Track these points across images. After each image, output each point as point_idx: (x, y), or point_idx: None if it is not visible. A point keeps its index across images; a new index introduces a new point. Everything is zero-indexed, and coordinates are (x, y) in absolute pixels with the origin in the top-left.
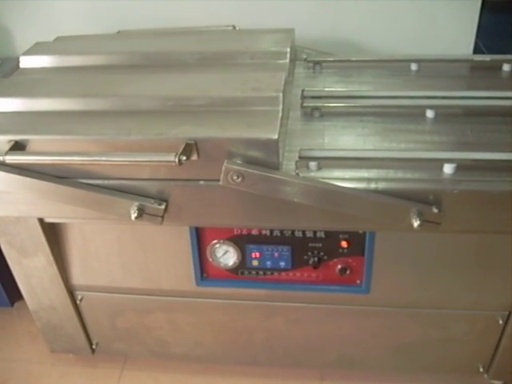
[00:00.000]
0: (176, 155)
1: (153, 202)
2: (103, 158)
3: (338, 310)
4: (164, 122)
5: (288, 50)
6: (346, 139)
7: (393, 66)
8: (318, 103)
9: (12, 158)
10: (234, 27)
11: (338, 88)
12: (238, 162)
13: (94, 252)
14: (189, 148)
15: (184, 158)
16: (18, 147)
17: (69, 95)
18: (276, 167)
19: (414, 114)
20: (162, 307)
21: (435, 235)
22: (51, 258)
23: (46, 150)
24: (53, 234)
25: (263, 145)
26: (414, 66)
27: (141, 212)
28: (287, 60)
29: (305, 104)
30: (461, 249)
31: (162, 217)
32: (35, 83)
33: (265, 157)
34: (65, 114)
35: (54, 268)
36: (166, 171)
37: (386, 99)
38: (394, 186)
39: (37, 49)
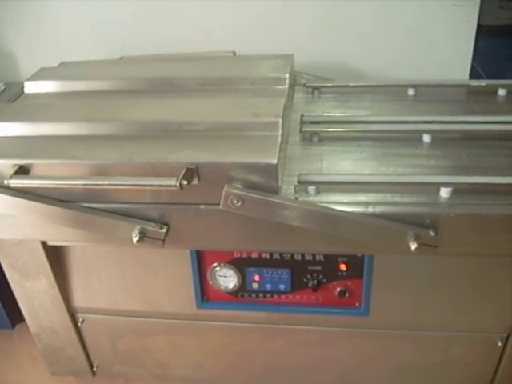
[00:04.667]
0: (177, 179)
1: (154, 225)
2: (106, 182)
3: (338, 333)
4: (166, 147)
5: (287, 75)
6: (345, 164)
7: (390, 91)
8: (317, 128)
9: (16, 182)
10: (234, 53)
11: (337, 113)
12: (238, 186)
13: (96, 275)
14: (190, 172)
15: (185, 182)
16: (22, 171)
17: (72, 120)
18: (275, 191)
19: (411, 139)
20: (162, 330)
21: (433, 258)
22: (53, 280)
23: (49, 174)
24: (55, 256)
25: (263, 169)
26: (411, 91)
27: (142, 235)
28: (286, 86)
29: (304, 129)
30: (459, 271)
31: (164, 240)
32: (39, 108)
33: (264, 181)
34: (68, 139)
35: (56, 290)
36: (167, 195)
37: (384, 124)
38: (391, 209)
39: (41, 74)
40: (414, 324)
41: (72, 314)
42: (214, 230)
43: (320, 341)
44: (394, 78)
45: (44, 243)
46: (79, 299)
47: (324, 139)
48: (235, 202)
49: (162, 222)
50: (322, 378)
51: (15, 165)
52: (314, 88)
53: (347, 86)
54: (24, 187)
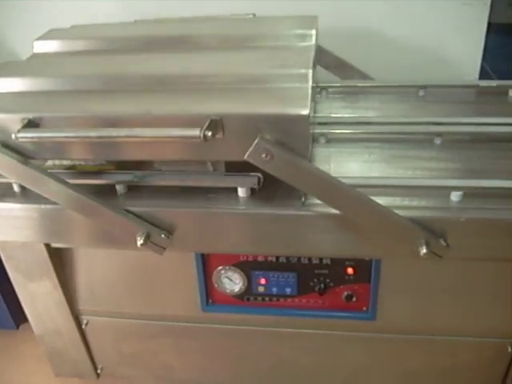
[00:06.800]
0: (201, 130)
1: (160, 231)
2: (122, 134)
3: (344, 337)
4: (187, 100)
5: (313, 31)
6: (353, 166)
7: (399, 92)
8: (325, 129)
9: (25, 136)
10: (254, 15)
11: (345, 114)
12: (271, 139)
13: (100, 277)
14: (214, 124)
15: (209, 133)
16: (31, 125)
17: (84, 74)
18: (306, 150)
19: (420, 141)
20: (167, 332)
21: (442, 262)
22: (57, 282)
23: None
24: (59, 258)
25: (293, 121)
26: (420, 92)
27: (146, 240)
28: (313, 42)
29: (311, 130)
30: (469, 276)
31: (165, 248)
32: (50, 64)
33: (295, 136)
34: (80, 93)
35: (60, 292)
36: (189, 151)
37: (393, 125)
38: (400, 213)
39: (51, 34)
40: (421, 329)
41: (76, 316)
42: (219, 233)
43: (326, 345)
44: (402, 77)
45: (47, 245)
46: (83, 301)
47: (332, 141)
48: (264, 156)
49: (168, 225)
50: (328, 383)
51: (24, 119)
52: (322, 88)
53: (355, 86)
54: (32, 142)
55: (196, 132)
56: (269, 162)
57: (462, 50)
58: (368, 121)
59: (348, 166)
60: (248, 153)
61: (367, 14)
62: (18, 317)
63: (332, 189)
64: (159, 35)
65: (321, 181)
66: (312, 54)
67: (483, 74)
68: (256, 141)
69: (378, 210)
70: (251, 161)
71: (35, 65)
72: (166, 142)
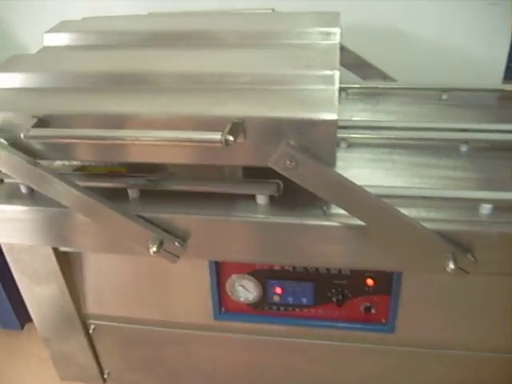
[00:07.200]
0: (222, 134)
1: (174, 239)
2: (138, 135)
3: (360, 349)
4: (206, 100)
5: (337, 29)
6: (374, 173)
7: (420, 94)
8: (345, 134)
9: (35, 135)
10: (273, 10)
11: (366, 117)
12: (296, 145)
13: (109, 281)
14: (235, 127)
15: (231, 138)
16: (41, 124)
17: (97, 71)
18: (332, 158)
19: (445, 148)
20: (177, 339)
21: (467, 276)
22: (64, 286)
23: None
24: (67, 262)
25: (320, 126)
26: (443, 95)
27: (159, 247)
28: (337, 41)
29: None
30: (492, 290)
31: (179, 257)
32: (60, 59)
33: (320, 143)
34: (93, 91)
35: (68, 297)
36: (208, 155)
37: (416, 131)
38: (427, 225)
39: (62, 26)
40: (441, 343)
41: (83, 321)
42: (236, 241)
43: (341, 356)
44: (425, 78)
45: (55, 249)
46: (91, 306)
47: (352, 145)
48: (288, 162)
49: (182, 232)
50: None
51: (33, 117)
52: (342, 89)
53: (376, 88)
54: (43, 141)
55: (217, 136)
56: (293, 169)
57: (488, 51)
58: (391, 125)
59: (370, 173)
60: (272, 159)
61: (389, 12)
62: (23, 316)
63: (358, 199)
64: (174, 30)
65: (347, 190)
66: (337, 53)
67: (508, 75)
68: (280, 146)
69: (406, 223)
70: (274, 167)
71: (45, 59)
72: (183, 145)
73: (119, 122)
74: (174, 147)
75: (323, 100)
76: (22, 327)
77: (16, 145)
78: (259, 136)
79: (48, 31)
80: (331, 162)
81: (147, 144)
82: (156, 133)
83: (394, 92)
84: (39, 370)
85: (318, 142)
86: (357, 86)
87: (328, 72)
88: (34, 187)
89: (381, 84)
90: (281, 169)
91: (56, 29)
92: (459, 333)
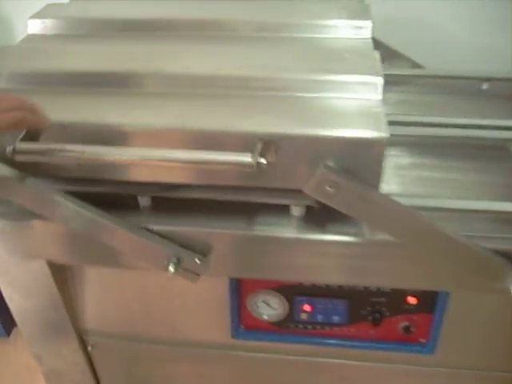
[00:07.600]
0: (253, 156)
1: (192, 255)
2: (149, 154)
3: (394, 369)
4: (227, 110)
5: (370, 23)
6: (416, 179)
7: (458, 84)
8: None
9: (23, 150)
10: None
11: (399, 111)
12: (336, 168)
13: (112, 296)
14: (266, 147)
15: (263, 160)
16: (29, 138)
17: (94, 69)
18: (376, 184)
19: (492, 148)
20: (188, 358)
21: None
22: (60, 300)
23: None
24: (63, 275)
25: (367, 147)
26: (484, 85)
27: (177, 266)
28: (369, 36)
29: None
30: None
31: (199, 275)
32: (48, 53)
33: (365, 165)
34: (89, 95)
35: (63, 311)
36: (231, 177)
37: (459, 129)
38: (483, 244)
39: (49, 11)
40: (482, 364)
41: (81, 337)
42: (264, 259)
43: (372, 377)
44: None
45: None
46: (91, 321)
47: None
48: (328, 188)
49: (201, 247)
50: None
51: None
52: None
53: (409, 76)
54: (31, 158)
55: (247, 158)
56: (334, 196)
57: None
58: (429, 121)
59: (412, 180)
60: (309, 185)
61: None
62: (8, 323)
63: (411, 225)
64: (178, 18)
65: (397, 216)
66: (378, 55)
67: None
68: (319, 170)
69: (460, 246)
70: (312, 194)
71: (31, 53)
72: (204, 167)
73: (124, 135)
74: (193, 168)
75: (368, 113)
76: (8, 335)
77: (2, 159)
78: (293, 156)
79: (33, 16)
80: (376, 183)
81: (160, 165)
82: (174, 153)
83: (428, 81)
84: (29, 381)
85: (364, 163)
86: (388, 73)
87: (371, 78)
88: (25, 207)
89: (412, 71)
90: (319, 196)
91: (41, 14)
92: (501, 354)
